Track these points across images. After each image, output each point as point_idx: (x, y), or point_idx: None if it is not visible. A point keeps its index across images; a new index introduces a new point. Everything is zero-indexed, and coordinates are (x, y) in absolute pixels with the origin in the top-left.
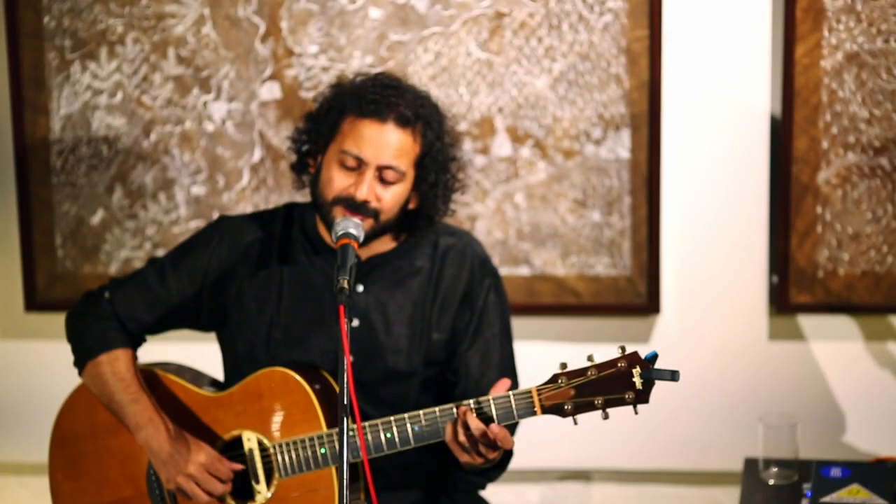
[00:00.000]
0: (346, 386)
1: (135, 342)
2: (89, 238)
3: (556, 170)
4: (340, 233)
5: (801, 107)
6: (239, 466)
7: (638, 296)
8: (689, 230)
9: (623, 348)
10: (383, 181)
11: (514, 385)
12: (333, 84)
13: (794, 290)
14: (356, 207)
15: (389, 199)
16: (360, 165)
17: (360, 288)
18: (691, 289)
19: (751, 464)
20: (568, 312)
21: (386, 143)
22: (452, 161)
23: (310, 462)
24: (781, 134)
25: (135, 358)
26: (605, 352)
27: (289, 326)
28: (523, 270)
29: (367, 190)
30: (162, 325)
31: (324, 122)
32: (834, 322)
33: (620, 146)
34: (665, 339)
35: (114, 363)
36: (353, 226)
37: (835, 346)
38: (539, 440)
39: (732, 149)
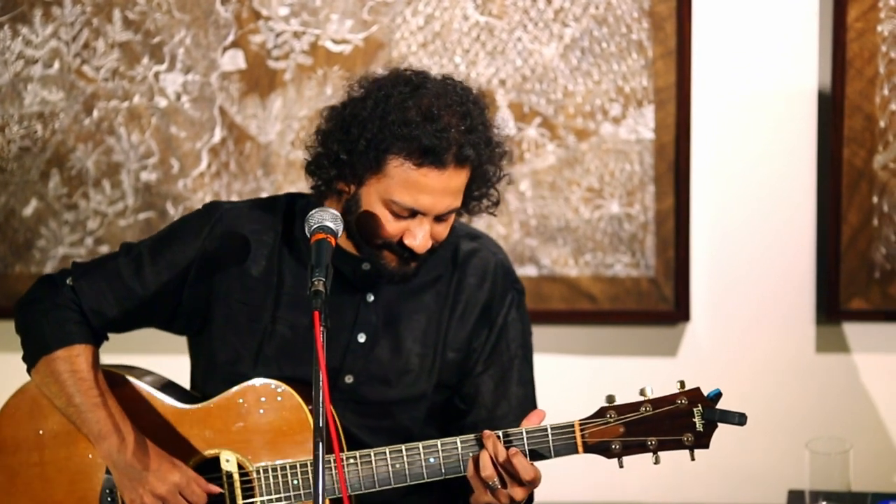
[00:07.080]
0: (321, 407)
1: (97, 339)
2: (21, 232)
3: (567, 153)
4: (315, 226)
5: (855, 79)
6: (218, 490)
7: (663, 300)
8: (723, 224)
9: (682, 383)
10: (439, 220)
11: None
12: (357, 100)
13: (845, 294)
14: (415, 259)
15: (444, 231)
16: (415, 214)
17: (371, 297)
18: (725, 293)
19: (796, 496)
20: (581, 320)
21: (444, 190)
22: (503, 158)
23: (300, 490)
24: (831, 111)
25: (97, 357)
26: (626, 367)
27: (284, 339)
28: (530, 271)
29: (425, 239)
30: (130, 322)
31: (361, 157)
32: (891, 331)
33: (643, 125)
34: (694, 350)
35: (74, 360)
36: (331, 218)
37: (892, 359)
38: (556, 473)
39: (774, 128)
